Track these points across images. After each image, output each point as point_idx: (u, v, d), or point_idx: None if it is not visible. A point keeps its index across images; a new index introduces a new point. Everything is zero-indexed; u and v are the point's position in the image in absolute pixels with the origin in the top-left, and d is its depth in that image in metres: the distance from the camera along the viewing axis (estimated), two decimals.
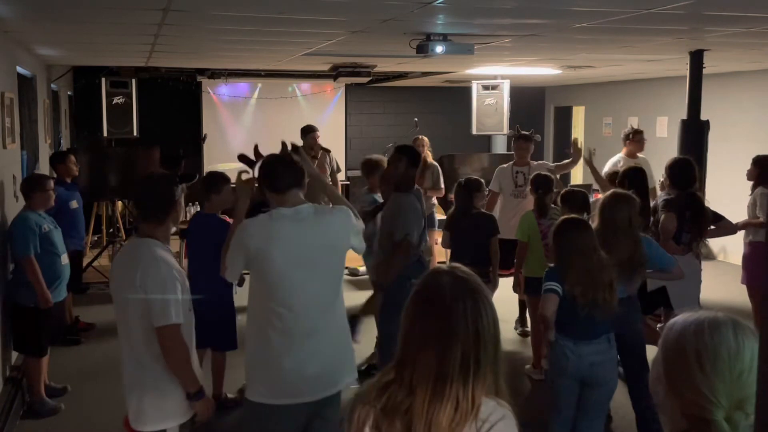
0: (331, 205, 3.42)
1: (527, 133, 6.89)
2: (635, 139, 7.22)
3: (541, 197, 5.66)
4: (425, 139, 8.39)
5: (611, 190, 4.46)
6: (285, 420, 3.07)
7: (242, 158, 3.40)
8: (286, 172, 3.10)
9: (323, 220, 3.11)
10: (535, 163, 6.72)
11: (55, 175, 6.84)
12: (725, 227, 5.63)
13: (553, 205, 5.72)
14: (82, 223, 7.01)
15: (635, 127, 7.58)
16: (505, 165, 6.80)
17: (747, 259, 6.19)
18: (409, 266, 4.71)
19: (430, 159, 8.17)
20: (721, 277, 8.41)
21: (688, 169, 5.35)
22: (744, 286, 6.29)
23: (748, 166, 6.42)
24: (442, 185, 8.24)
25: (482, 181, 5.95)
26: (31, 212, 5.12)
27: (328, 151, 8.18)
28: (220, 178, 5.16)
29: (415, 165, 4.80)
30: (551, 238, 3.96)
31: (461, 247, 5.71)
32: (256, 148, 3.44)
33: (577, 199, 5.02)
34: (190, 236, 5.36)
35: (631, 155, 7.16)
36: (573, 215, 4.21)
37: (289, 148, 3.33)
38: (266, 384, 3.06)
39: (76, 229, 6.71)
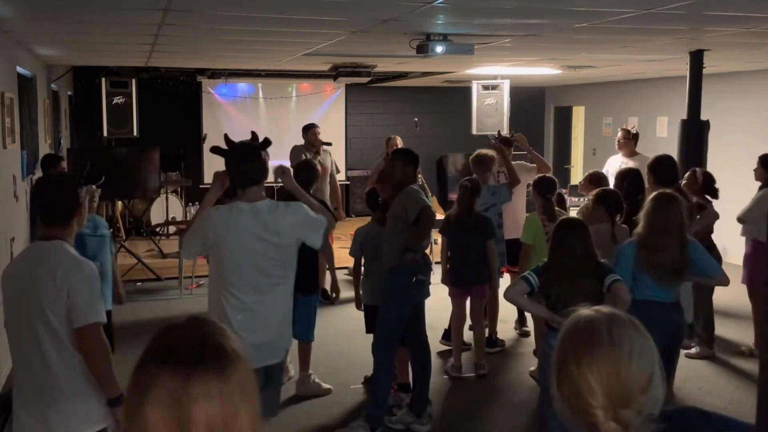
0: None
1: (508, 136, 6.98)
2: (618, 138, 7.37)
3: (549, 200, 5.60)
4: (397, 138, 8.41)
5: (658, 191, 4.38)
6: None
7: (215, 150, 3.47)
8: (247, 172, 3.39)
9: (275, 216, 3.40)
10: (514, 162, 6.73)
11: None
12: (709, 215, 5.67)
13: (557, 208, 5.72)
14: None
15: (629, 127, 7.59)
16: None
17: (748, 258, 6.19)
18: (417, 265, 4.72)
19: None
20: None
21: (671, 165, 5.38)
22: (744, 286, 6.29)
23: (748, 166, 6.41)
24: (419, 183, 8.43)
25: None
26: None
27: (328, 143, 8.19)
28: None
29: (411, 162, 4.93)
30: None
31: (463, 247, 5.71)
32: (226, 137, 3.53)
33: (615, 199, 4.95)
34: None
35: (624, 156, 7.26)
36: (573, 216, 4.20)
37: (260, 139, 3.53)
38: None
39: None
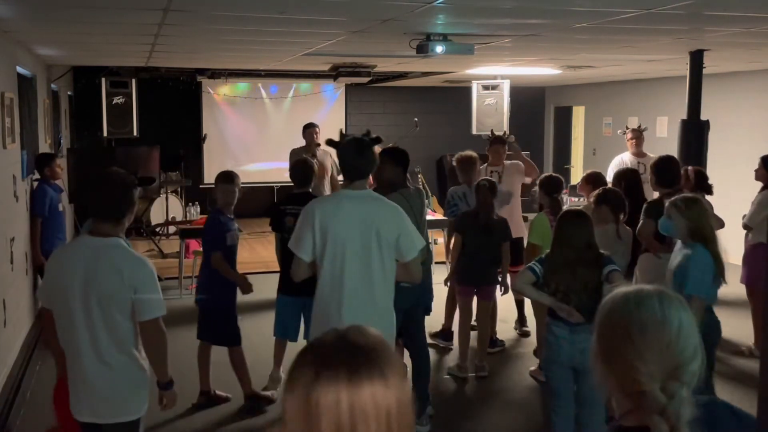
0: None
1: (500, 135, 7.08)
2: (628, 138, 7.39)
3: (556, 199, 5.61)
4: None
5: (684, 195, 4.37)
6: None
7: (330, 143, 3.72)
8: (357, 165, 3.54)
9: (377, 204, 3.59)
10: (508, 162, 6.76)
11: (39, 176, 6.80)
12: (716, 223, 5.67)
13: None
14: (65, 225, 7.01)
15: (632, 126, 7.62)
16: (480, 166, 6.86)
17: (747, 258, 6.21)
18: None
19: None
20: None
21: (673, 167, 5.36)
22: (743, 285, 6.31)
23: (749, 166, 6.40)
24: (418, 183, 8.61)
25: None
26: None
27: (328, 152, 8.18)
28: (221, 175, 5.22)
29: (399, 164, 4.85)
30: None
31: (477, 247, 5.71)
32: (341, 132, 3.81)
33: (617, 198, 4.95)
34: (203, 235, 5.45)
35: (634, 155, 7.28)
36: (577, 208, 4.23)
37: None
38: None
39: (62, 231, 6.73)
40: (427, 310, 5.29)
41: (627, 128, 7.62)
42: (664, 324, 1.46)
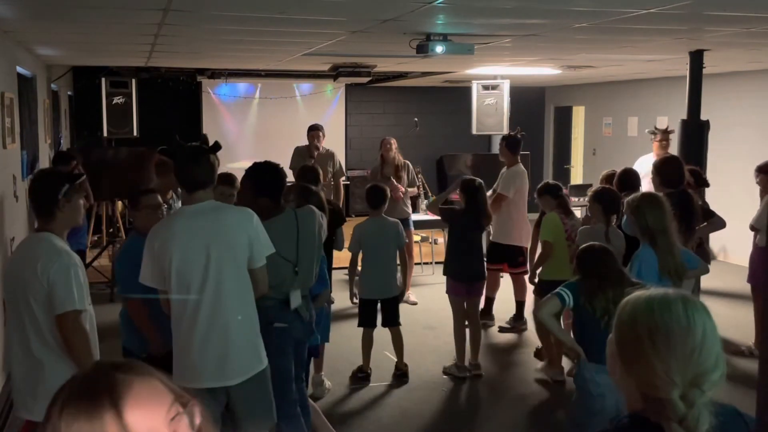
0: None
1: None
2: (656, 139, 7.34)
3: (562, 197, 5.75)
4: (392, 140, 8.22)
5: (642, 193, 4.33)
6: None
7: (164, 151, 3.51)
8: (195, 175, 3.29)
9: (221, 215, 3.32)
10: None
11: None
12: (716, 223, 5.67)
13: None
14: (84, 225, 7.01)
15: (661, 127, 7.57)
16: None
17: (753, 259, 6.23)
18: (271, 309, 3.78)
19: (399, 158, 8.09)
20: (721, 277, 8.43)
21: (676, 167, 5.34)
22: (746, 285, 6.33)
23: (749, 166, 6.40)
24: (418, 183, 8.41)
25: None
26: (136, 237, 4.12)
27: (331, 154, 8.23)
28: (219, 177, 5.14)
29: (266, 194, 3.92)
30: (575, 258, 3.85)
31: (470, 243, 5.78)
32: (176, 139, 3.56)
33: (610, 198, 4.96)
34: None
35: (658, 157, 7.27)
36: (595, 243, 3.97)
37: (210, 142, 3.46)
38: (179, 370, 3.23)
39: (72, 231, 6.71)
40: (313, 351, 4.68)
41: (656, 129, 7.54)
42: (688, 330, 1.43)
